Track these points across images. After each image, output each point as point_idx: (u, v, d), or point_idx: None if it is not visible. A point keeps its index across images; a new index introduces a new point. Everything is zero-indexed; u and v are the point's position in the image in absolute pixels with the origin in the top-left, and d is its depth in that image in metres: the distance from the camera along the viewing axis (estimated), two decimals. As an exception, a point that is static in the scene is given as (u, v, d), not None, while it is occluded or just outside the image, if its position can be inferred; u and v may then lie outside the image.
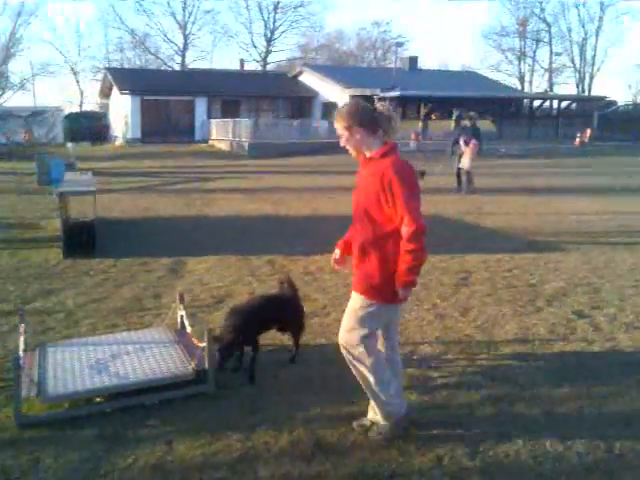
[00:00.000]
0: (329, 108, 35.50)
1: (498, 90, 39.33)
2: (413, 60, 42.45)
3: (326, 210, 11.75)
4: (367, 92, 31.40)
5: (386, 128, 3.24)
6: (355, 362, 3.37)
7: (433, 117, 31.63)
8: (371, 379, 3.35)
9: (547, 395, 3.99)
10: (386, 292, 3.25)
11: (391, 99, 30.26)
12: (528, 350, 4.76)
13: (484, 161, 19.86)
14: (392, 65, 37.27)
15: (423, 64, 45.98)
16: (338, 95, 33.96)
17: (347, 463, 3.20)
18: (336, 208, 11.95)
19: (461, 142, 14.37)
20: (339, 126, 3.27)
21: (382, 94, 30.11)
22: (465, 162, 14.14)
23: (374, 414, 3.51)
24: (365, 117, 3.21)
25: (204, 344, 3.93)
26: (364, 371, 3.35)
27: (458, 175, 14.44)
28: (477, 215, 11.24)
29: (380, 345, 3.51)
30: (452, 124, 27.20)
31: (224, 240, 9.05)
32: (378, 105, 3.29)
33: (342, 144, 3.31)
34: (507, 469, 3.19)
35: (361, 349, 3.31)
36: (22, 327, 4.31)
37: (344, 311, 5.57)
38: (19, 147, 28.21)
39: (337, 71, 40.20)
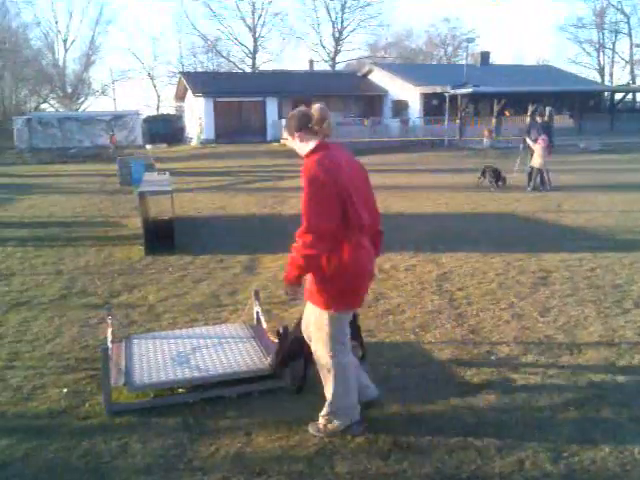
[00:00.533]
0: (400, 106, 35.28)
1: (576, 83, 37.82)
2: (485, 55, 41.48)
3: (398, 208, 11.66)
4: (437, 89, 30.99)
5: (318, 130, 3.30)
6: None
7: (507, 113, 30.78)
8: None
9: (635, 401, 3.81)
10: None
11: (463, 96, 29.74)
12: (614, 353, 4.55)
13: (562, 157, 19.23)
14: (463, 61, 36.52)
15: (496, 59, 44.91)
16: (408, 93, 33.69)
17: (424, 463, 3.17)
18: (409, 206, 11.87)
19: (528, 140, 13.91)
20: (286, 133, 3.45)
21: (453, 91, 29.62)
22: (536, 160, 13.68)
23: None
24: (301, 122, 3.33)
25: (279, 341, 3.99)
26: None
27: (530, 173, 13.98)
28: (556, 213, 10.86)
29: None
30: (527, 120, 26.40)
31: (297, 238, 9.12)
32: (313, 108, 3.37)
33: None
34: (592, 476, 3.07)
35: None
36: (110, 320, 4.52)
37: (419, 309, 5.58)
38: (104, 150, 29.49)
39: (407, 69, 39.86)
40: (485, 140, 26.56)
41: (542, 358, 4.49)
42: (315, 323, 3.37)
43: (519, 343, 4.78)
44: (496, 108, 29.01)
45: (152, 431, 3.52)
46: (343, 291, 3.24)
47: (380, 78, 37.87)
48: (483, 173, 14.57)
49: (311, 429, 3.49)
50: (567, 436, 3.40)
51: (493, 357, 4.53)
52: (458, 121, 29.68)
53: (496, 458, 3.20)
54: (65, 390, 4.04)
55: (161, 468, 3.16)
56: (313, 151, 3.26)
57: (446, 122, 29.48)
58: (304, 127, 3.31)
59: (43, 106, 54.70)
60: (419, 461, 3.19)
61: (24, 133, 32.65)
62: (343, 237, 3.17)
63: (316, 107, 3.36)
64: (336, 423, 3.43)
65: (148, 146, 32.66)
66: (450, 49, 64.41)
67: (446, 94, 29.82)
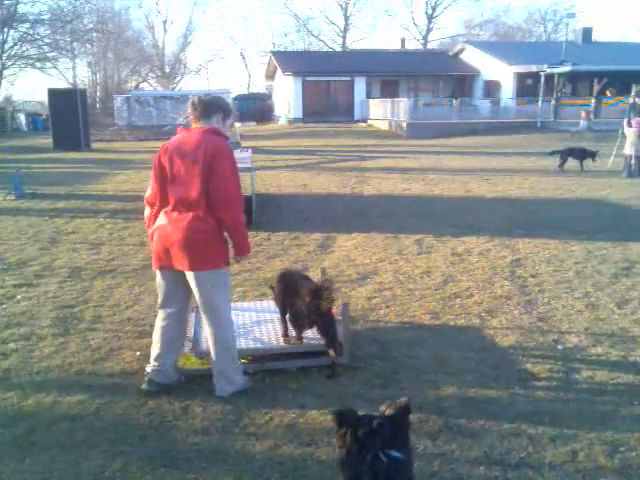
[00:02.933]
0: (492, 87, 34.15)
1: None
2: (587, 32, 39.10)
3: (480, 192, 11.40)
4: (533, 68, 29.76)
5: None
6: None
7: (608, 93, 29.07)
8: None
9: None
10: None
11: (560, 75, 28.38)
12: (692, 350, 4.32)
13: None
14: (563, 39, 34.69)
15: (599, 37, 42.36)
16: (502, 73, 32.52)
17: (473, 446, 3.17)
18: (491, 190, 11.57)
19: (624, 123, 13.11)
20: (210, 114, 3.71)
21: (550, 70, 28.29)
22: (628, 145, 12.89)
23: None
24: (229, 109, 3.83)
25: (341, 318, 4.07)
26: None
27: (627, 158, 13.21)
28: (650, 201, 10.26)
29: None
30: (630, 100, 24.85)
31: (374, 218, 9.17)
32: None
33: None
34: (650, 472, 2.97)
35: None
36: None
37: (487, 294, 5.49)
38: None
39: (502, 47, 38.41)
40: (582, 122, 25.27)
41: (612, 351, 4.32)
42: (217, 285, 3.61)
43: (590, 334, 4.62)
44: (596, 88, 27.47)
45: (213, 397, 3.70)
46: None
47: (472, 57, 36.74)
48: (562, 155, 13.93)
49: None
50: (627, 432, 3.28)
51: (560, 347, 4.41)
52: (553, 102, 28.38)
53: (548, 447, 3.15)
54: (139, 353, 4.31)
55: (217, 431, 3.34)
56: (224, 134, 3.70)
57: (540, 103, 28.27)
58: (228, 115, 3.75)
59: (142, 85, 57.05)
60: (468, 444, 3.19)
61: (123, 111, 34.22)
62: None
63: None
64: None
65: (237, 124, 33.31)
66: (550, 25, 61.37)
67: (542, 73, 28.55)
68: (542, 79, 28.43)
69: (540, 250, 7.04)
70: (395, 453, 2.18)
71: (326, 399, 3.65)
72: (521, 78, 31.82)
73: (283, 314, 4.20)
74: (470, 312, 5.11)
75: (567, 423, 3.38)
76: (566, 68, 28.13)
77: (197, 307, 4.78)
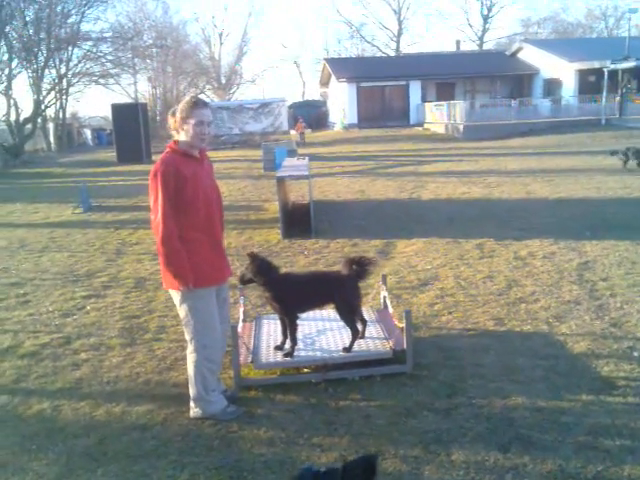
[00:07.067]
0: (552, 85, 33.23)
1: None
2: (653, 25, 37.64)
3: (543, 193, 11.07)
4: (596, 65, 28.73)
5: None
6: None
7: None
8: None
9: None
10: None
11: (624, 71, 27.32)
12: None
13: None
14: (625, 34, 33.40)
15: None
16: (563, 70, 31.58)
17: (547, 459, 3.04)
18: (554, 191, 11.22)
19: None
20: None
21: (613, 66, 27.26)
22: None
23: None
24: None
25: (403, 325, 4.01)
26: None
27: None
28: None
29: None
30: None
31: (434, 223, 9.03)
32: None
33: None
34: None
35: None
36: (242, 300, 4.80)
37: (554, 298, 5.30)
38: (251, 136, 30.98)
39: (561, 44, 37.32)
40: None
41: (694, 358, 4.09)
42: (182, 305, 3.51)
43: (668, 340, 4.39)
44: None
45: (277, 406, 3.70)
46: None
47: (531, 56, 35.84)
48: (626, 155, 13.37)
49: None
50: None
51: (636, 353, 4.20)
52: (618, 98, 27.33)
53: (627, 461, 2.99)
54: (203, 362, 4.36)
55: (282, 441, 3.33)
56: None
57: (603, 100, 27.28)
58: (187, 115, 3.42)
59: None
60: (541, 456, 3.07)
61: (182, 123, 35.05)
62: None
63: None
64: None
65: (292, 131, 33.67)
66: (612, 21, 59.23)
67: (605, 69, 27.55)
68: (605, 75, 27.43)
69: (610, 252, 6.75)
70: None
71: (391, 410, 3.59)
72: (583, 75, 30.81)
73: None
74: (537, 318, 4.94)
75: (647, 436, 3.21)
76: (631, 63, 27.03)
77: (256, 317, 4.85)
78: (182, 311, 3.48)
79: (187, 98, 3.46)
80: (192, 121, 3.31)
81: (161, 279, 3.57)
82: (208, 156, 3.64)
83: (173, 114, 3.40)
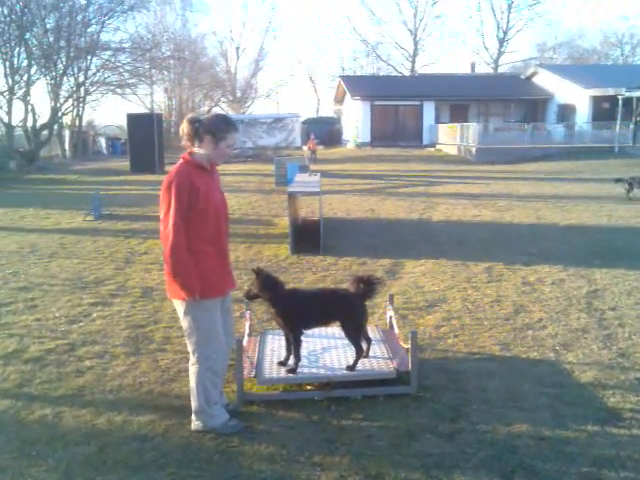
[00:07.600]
0: (565, 111, 33.24)
1: None
2: (669, 54, 37.65)
3: (553, 219, 11.03)
4: (610, 92, 28.73)
5: None
6: None
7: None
8: None
9: None
10: None
11: (638, 99, 27.31)
12: None
13: None
14: (642, 61, 33.47)
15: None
16: (577, 96, 31.60)
17: (550, 488, 3.01)
18: (565, 217, 11.18)
19: None
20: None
21: (628, 93, 27.25)
22: None
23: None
24: None
25: (408, 346, 3.99)
26: None
27: None
28: None
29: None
30: None
31: (443, 245, 9.02)
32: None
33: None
34: None
35: None
36: (248, 314, 4.80)
37: (562, 326, 5.27)
38: (264, 151, 31.14)
39: (577, 70, 37.39)
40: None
41: (703, 391, 4.04)
42: (185, 316, 3.52)
43: (677, 372, 4.33)
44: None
45: (278, 423, 3.69)
46: None
47: (546, 81, 35.92)
48: (630, 184, 13.33)
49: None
50: None
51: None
52: (632, 126, 27.30)
53: (633, 493, 2.96)
54: (206, 375, 4.35)
55: (283, 459, 3.31)
56: None
57: (617, 127, 27.26)
58: (221, 138, 3.45)
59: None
60: (544, 486, 3.03)
61: (195, 135, 35.30)
62: None
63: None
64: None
65: (305, 147, 33.84)
66: (628, 48, 59.33)
67: (619, 97, 27.56)
68: (620, 103, 27.43)
69: (619, 281, 6.71)
70: None
71: (393, 431, 3.56)
72: (597, 102, 30.81)
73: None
74: (543, 345, 4.91)
75: (653, 469, 3.16)
76: (645, 91, 27.04)
77: (262, 332, 4.84)
78: (185, 322, 3.48)
79: (222, 116, 3.51)
80: (225, 143, 3.39)
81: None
82: (216, 168, 3.66)
83: (192, 122, 3.39)
